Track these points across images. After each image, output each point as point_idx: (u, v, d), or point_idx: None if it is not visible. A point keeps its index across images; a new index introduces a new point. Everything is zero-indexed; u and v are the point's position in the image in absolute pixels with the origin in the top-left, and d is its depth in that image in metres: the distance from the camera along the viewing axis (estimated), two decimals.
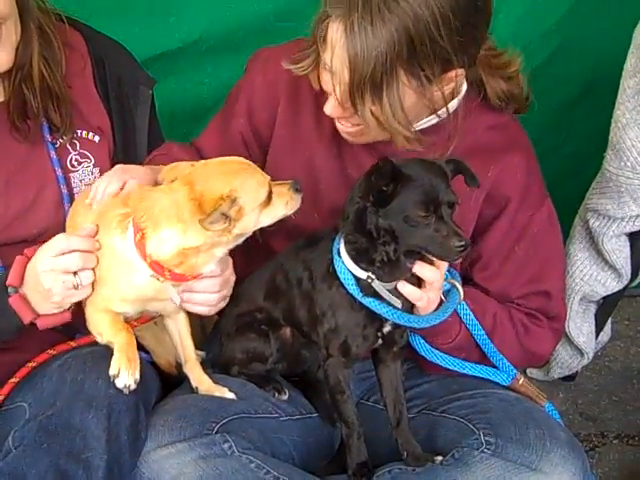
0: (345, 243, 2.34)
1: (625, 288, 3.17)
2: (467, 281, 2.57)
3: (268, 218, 2.32)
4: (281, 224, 2.41)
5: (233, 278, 2.47)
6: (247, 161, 2.35)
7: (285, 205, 2.33)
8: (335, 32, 2.26)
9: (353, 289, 2.33)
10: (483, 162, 2.44)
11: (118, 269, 2.31)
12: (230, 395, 2.43)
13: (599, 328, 3.24)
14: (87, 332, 2.50)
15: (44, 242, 2.33)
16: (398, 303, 2.33)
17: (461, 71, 2.33)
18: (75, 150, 2.59)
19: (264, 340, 2.52)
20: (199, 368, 2.47)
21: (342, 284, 2.34)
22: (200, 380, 2.46)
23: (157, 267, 2.28)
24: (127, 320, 2.37)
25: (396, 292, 2.34)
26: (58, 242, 2.30)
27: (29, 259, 2.33)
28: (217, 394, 2.43)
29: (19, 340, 2.49)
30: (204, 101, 3.21)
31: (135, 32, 3.11)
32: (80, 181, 2.59)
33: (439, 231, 2.24)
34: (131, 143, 2.66)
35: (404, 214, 2.25)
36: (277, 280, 2.51)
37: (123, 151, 2.66)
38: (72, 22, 2.60)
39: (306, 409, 2.60)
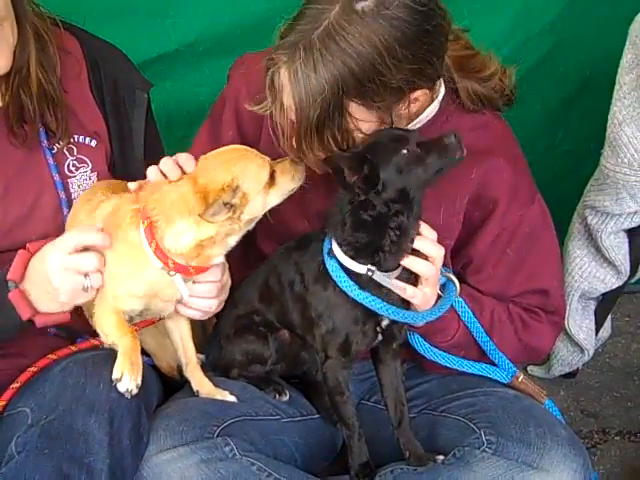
0: (341, 245, 2.34)
1: (624, 284, 3.19)
2: (461, 282, 2.54)
3: (276, 197, 2.34)
4: (272, 229, 2.43)
5: (229, 283, 2.48)
6: (244, 147, 2.37)
7: (292, 179, 2.35)
8: (280, 79, 2.25)
9: (347, 286, 2.32)
10: (466, 164, 2.40)
11: (131, 263, 2.31)
12: (231, 398, 2.44)
13: (599, 325, 3.25)
14: (88, 337, 2.52)
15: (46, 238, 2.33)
16: (402, 290, 2.33)
17: (422, 91, 2.30)
18: (72, 155, 2.59)
19: (263, 342, 2.52)
20: (200, 371, 2.48)
21: (336, 283, 2.33)
22: (201, 383, 2.46)
23: (178, 265, 2.30)
24: (130, 322, 2.37)
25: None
26: (72, 237, 2.29)
27: (32, 254, 2.32)
28: (218, 397, 2.43)
29: (21, 346, 2.51)
30: (201, 103, 3.19)
31: (131, 35, 3.11)
32: (78, 186, 2.58)
33: (431, 149, 2.27)
34: (128, 147, 2.66)
35: (395, 167, 2.26)
36: (270, 282, 2.51)
37: (120, 155, 2.66)
38: (67, 26, 2.59)
39: (307, 410, 2.60)
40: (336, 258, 2.34)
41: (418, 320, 2.39)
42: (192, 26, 3.30)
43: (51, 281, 2.27)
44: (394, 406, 2.45)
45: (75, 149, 2.59)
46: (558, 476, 2.29)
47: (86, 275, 2.27)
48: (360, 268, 2.32)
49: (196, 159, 2.59)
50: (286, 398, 2.54)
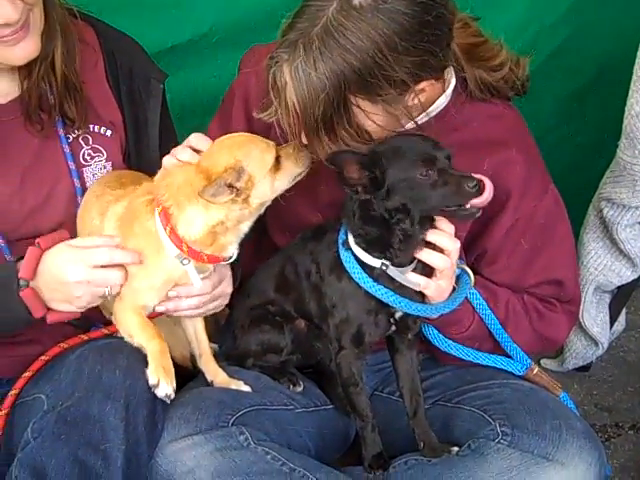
0: (355, 237, 2.34)
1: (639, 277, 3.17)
2: (475, 274, 2.53)
3: (284, 182, 2.34)
4: (284, 221, 2.45)
5: (229, 290, 2.49)
6: (249, 134, 2.38)
7: (296, 163, 2.35)
8: (281, 78, 2.25)
9: (360, 278, 2.32)
10: (478, 156, 2.41)
11: (150, 253, 2.32)
12: (245, 388, 2.44)
13: (613, 318, 3.24)
14: (101, 325, 2.54)
15: (54, 230, 2.35)
16: (417, 286, 2.32)
17: (427, 82, 2.28)
18: (88, 145, 2.59)
19: (278, 332, 2.52)
20: (214, 362, 2.49)
21: (349, 275, 2.33)
22: (215, 373, 2.47)
23: (192, 252, 2.31)
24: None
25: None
26: (99, 255, 2.30)
27: (43, 250, 2.32)
28: (233, 387, 2.44)
29: (37, 333, 2.51)
30: (215, 94, 3.17)
31: (145, 26, 3.09)
32: (93, 175, 2.58)
33: (448, 183, 2.23)
34: (143, 137, 2.66)
35: (405, 182, 2.24)
36: (286, 272, 2.51)
37: (135, 145, 2.66)
38: (84, 17, 2.60)
39: (321, 401, 2.60)
40: (351, 250, 2.34)
41: (432, 313, 2.39)
42: (206, 17, 3.28)
43: (72, 291, 2.29)
44: (410, 396, 2.44)
45: (90, 138, 2.59)
46: (573, 469, 2.29)
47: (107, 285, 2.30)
48: (374, 261, 2.32)
49: None
50: (300, 389, 2.54)
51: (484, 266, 2.55)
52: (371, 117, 2.26)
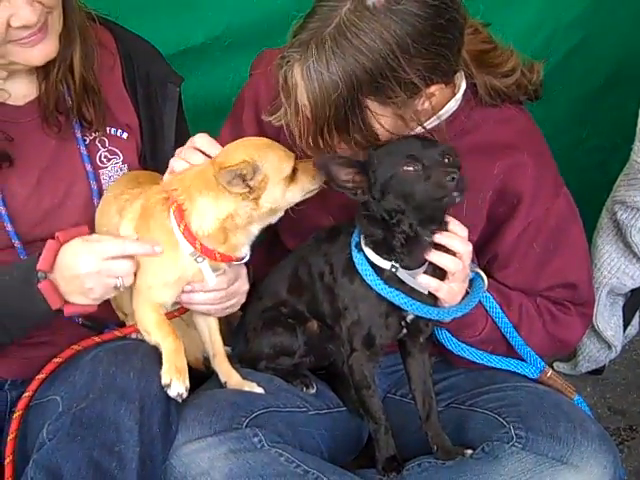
0: (364, 237, 2.34)
1: None
2: (488, 278, 2.53)
3: (296, 194, 2.36)
4: (296, 224, 2.43)
5: (245, 288, 2.49)
6: (271, 140, 2.39)
7: (312, 180, 2.37)
8: (293, 78, 2.24)
9: (372, 280, 2.32)
10: (489, 159, 2.41)
11: (165, 251, 2.33)
12: (259, 390, 2.44)
13: (627, 321, 3.22)
14: (115, 327, 2.55)
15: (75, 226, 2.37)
16: (429, 289, 2.32)
17: (438, 86, 2.28)
18: (104, 147, 2.61)
19: (291, 334, 2.53)
20: (227, 363, 2.49)
21: (361, 277, 2.33)
22: (229, 375, 2.47)
23: (206, 249, 2.32)
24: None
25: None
26: (112, 246, 2.32)
27: (61, 244, 2.34)
28: (246, 388, 2.44)
29: (52, 335, 2.53)
30: (228, 97, 3.18)
31: (158, 28, 3.10)
32: (109, 177, 2.60)
33: (430, 176, 2.23)
34: (159, 140, 2.67)
35: (392, 179, 2.25)
36: (300, 273, 2.52)
37: (150, 148, 2.67)
38: (102, 20, 2.62)
39: (334, 403, 2.60)
40: (363, 251, 2.34)
41: (444, 316, 2.38)
42: (219, 19, 3.29)
43: (84, 282, 2.30)
44: (422, 399, 2.44)
45: (107, 141, 2.61)
46: (588, 472, 2.28)
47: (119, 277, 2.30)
48: (384, 263, 2.32)
49: None
50: (313, 391, 2.54)
51: (496, 270, 2.54)
52: (380, 120, 2.26)
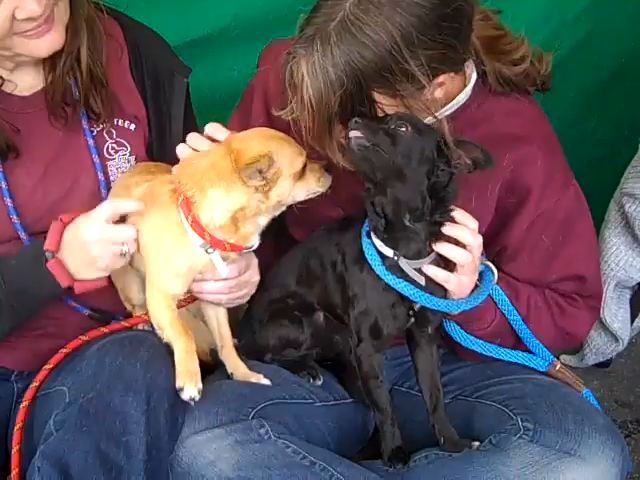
0: (370, 224, 2.34)
1: None
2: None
3: (302, 191, 2.36)
4: (304, 216, 2.42)
5: (256, 278, 2.49)
6: (284, 134, 2.38)
7: (317, 181, 2.37)
8: (298, 73, 2.24)
9: (380, 269, 2.31)
10: (498, 151, 2.38)
11: (174, 241, 2.34)
12: (265, 381, 2.44)
13: (634, 314, 3.21)
14: (121, 318, 2.55)
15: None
16: (422, 280, 2.31)
17: (446, 76, 2.27)
18: (112, 138, 2.60)
19: (297, 326, 2.52)
20: (235, 354, 2.49)
21: (370, 265, 2.33)
22: (236, 366, 2.47)
23: (215, 240, 2.32)
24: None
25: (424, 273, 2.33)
26: (108, 207, 2.34)
27: (65, 224, 2.36)
28: (253, 380, 2.44)
29: (59, 326, 2.53)
30: (234, 88, 3.17)
31: (165, 19, 3.09)
32: (117, 169, 2.59)
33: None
34: (166, 132, 2.66)
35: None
36: (311, 264, 2.51)
37: (158, 140, 2.66)
38: (109, 11, 2.61)
39: (340, 394, 2.60)
40: (371, 239, 2.33)
41: (453, 308, 2.37)
42: (226, 11, 3.29)
43: (90, 251, 2.31)
44: (429, 392, 2.44)
45: (114, 132, 2.60)
46: (595, 464, 2.28)
47: (123, 242, 2.32)
48: (387, 251, 2.32)
49: None
50: (320, 382, 2.54)
51: (505, 262, 2.54)
52: (388, 110, 2.25)
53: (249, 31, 3.28)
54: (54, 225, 2.36)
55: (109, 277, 2.45)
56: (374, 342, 2.38)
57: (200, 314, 2.55)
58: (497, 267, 2.50)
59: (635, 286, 3.16)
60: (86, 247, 2.31)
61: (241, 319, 2.69)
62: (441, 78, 2.26)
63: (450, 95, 2.39)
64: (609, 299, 3.11)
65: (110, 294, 2.52)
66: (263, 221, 2.37)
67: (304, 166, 2.35)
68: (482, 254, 2.42)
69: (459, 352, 2.60)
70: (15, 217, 2.47)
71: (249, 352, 2.57)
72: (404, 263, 2.31)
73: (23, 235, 2.48)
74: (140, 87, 2.63)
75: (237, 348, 2.53)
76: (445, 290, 2.36)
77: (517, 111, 2.49)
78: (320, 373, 2.55)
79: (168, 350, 2.30)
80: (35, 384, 2.44)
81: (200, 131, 2.76)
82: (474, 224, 2.33)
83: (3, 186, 2.46)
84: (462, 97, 2.42)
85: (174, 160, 2.46)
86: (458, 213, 2.32)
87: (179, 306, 2.42)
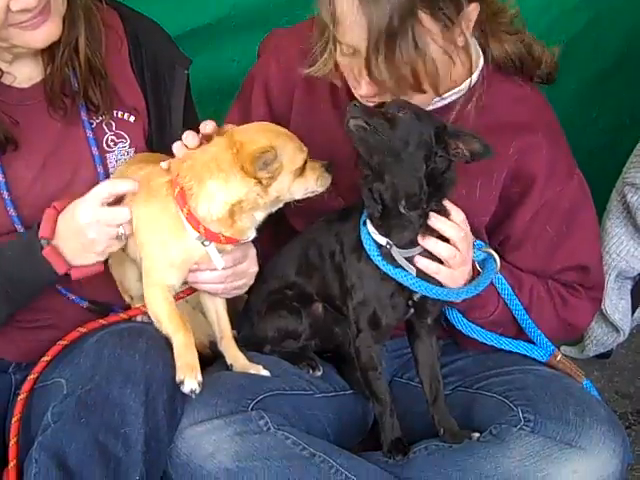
0: (366, 211, 2.34)
1: None
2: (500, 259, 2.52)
3: (300, 190, 2.35)
4: (306, 206, 2.41)
5: (254, 269, 2.48)
6: (286, 130, 2.38)
7: (316, 180, 2.36)
8: (344, 2, 2.22)
9: (378, 259, 2.31)
10: (504, 139, 2.40)
11: (170, 232, 2.33)
12: (265, 372, 2.43)
13: (635, 305, 3.20)
14: (119, 310, 2.54)
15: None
16: (413, 270, 2.30)
17: (475, 5, 2.27)
18: (111, 130, 2.58)
19: (296, 317, 2.51)
20: (234, 345, 2.48)
21: (367, 254, 2.32)
22: (235, 357, 2.46)
23: (210, 233, 2.31)
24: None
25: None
26: (102, 188, 2.33)
27: (59, 212, 2.35)
28: (252, 371, 2.43)
29: (56, 318, 2.53)
30: (234, 78, 3.16)
31: (164, 9, 3.07)
32: (116, 161, 2.57)
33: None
34: (166, 124, 2.65)
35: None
36: (310, 255, 2.50)
37: (158, 132, 2.65)
38: (108, 1, 2.59)
39: (340, 386, 2.59)
40: (367, 227, 2.33)
41: (453, 297, 2.37)
42: (225, 1, 3.27)
43: (86, 234, 2.31)
44: (429, 383, 2.43)
45: (114, 124, 2.58)
46: (596, 455, 2.27)
47: (118, 225, 2.31)
48: (381, 239, 2.31)
49: None
50: (320, 373, 2.53)
51: (508, 251, 2.53)
52: (431, 41, 2.24)
53: (249, 21, 3.27)
54: (48, 212, 2.35)
55: (107, 267, 2.44)
56: (373, 333, 2.37)
57: (199, 306, 2.54)
58: (500, 256, 2.49)
59: (636, 276, 3.15)
60: (82, 231, 2.31)
61: (240, 311, 2.68)
62: (472, 7, 2.26)
63: (459, 79, 2.40)
64: (610, 290, 3.09)
65: (108, 286, 2.51)
66: (260, 216, 2.36)
67: (304, 163, 2.34)
68: (484, 242, 2.41)
69: (460, 342, 2.59)
70: (12, 210, 2.46)
71: (248, 343, 2.56)
72: (396, 252, 2.30)
73: (20, 228, 2.47)
74: (140, 79, 2.62)
75: (236, 339, 2.52)
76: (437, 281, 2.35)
77: (522, 98, 2.49)
78: (320, 364, 2.55)
79: (167, 342, 2.29)
80: (33, 376, 2.43)
81: (200, 123, 2.77)
82: (459, 217, 2.32)
83: (1, 179, 2.45)
84: (468, 83, 2.42)
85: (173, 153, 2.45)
86: (446, 203, 2.31)
87: (178, 298, 2.42)
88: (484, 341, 2.51)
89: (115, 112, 2.57)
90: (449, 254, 2.30)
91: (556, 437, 2.28)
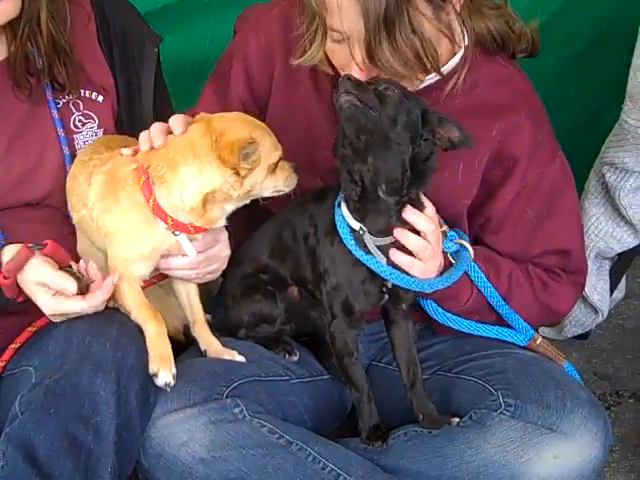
0: (342, 193, 2.30)
1: None
2: (479, 243, 2.51)
3: (270, 186, 2.32)
4: None
5: (226, 253, 2.43)
6: (264, 124, 2.35)
7: (285, 179, 2.33)
8: None
9: (350, 243, 2.27)
10: (487, 120, 2.38)
11: (138, 223, 2.28)
12: (240, 358, 2.39)
13: (613, 285, 3.20)
14: None
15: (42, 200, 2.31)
16: (383, 259, 2.27)
17: None
18: (79, 110, 2.52)
19: (271, 301, 2.47)
20: (208, 330, 2.43)
21: (341, 238, 2.28)
22: (209, 342, 2.42)
23: (178, 224, 2.27)
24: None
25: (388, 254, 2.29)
26: (72, 306, 2.27)
27: (32, 255, 2.26)
28: (226, 357, 2.39)
29: (25, 304, 2.43)
30: (206, 56, 3.13)
31: None
32: (84, 142, 2.51)
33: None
34: (136, 103, 2.59)
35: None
36: (284, 236, 2.46)
37: (127, 112, 2.59)
38: None
39: (317, 370, 2.56)
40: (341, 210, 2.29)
41: (425, 288, 2.34)
42: None
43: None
44: (407, 368, 2.40)
45: (81, 104, 2.52)
46: (578, 439, 2.25)
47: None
48: (354, 224, 2.27)
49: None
50: (296, 358, 2.50)
51: (488, 234, 2.51)
52: (424, 20, 2.23)
53: None
54: (21, 253, 2.25)
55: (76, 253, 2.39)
56: (347, 319, 2.34)
57: (172, 290, 2.49)
58: (481, 240, 2.47)
59: (615, 257, 3.15)
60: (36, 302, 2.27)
61: (214, 296, 2.64)
62: None
63: (443, 59, 2.37)
64: (589, 270, 3.07)
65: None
66: (230, 208, 2.32)
67: (278, 161, 2.31)
68: (457, 232, 2.39)
69: (436, 329, 2.57)
70: None
71: (223, 328, 2.52)
72: (368, 239, 2.27)
73: None
74: (108, 56, 2.56)
75: (210, 324, 2.48)
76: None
77: (506, 80, 2.47)
78: (296, 349, 2.51)
79: (138, 329, 2.25)
80: (1, 364, 2.38)
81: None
82: (430, 210, 2.31)
83: None
84: (456, 59, 2.40)
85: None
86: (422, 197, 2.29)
87: (149, 284, 2.37)
88: (459, 328, 2.49)
89: (82, 91, 2.51)
90: (419, 247, 2.28)
91: (537, 422, 2.26)
